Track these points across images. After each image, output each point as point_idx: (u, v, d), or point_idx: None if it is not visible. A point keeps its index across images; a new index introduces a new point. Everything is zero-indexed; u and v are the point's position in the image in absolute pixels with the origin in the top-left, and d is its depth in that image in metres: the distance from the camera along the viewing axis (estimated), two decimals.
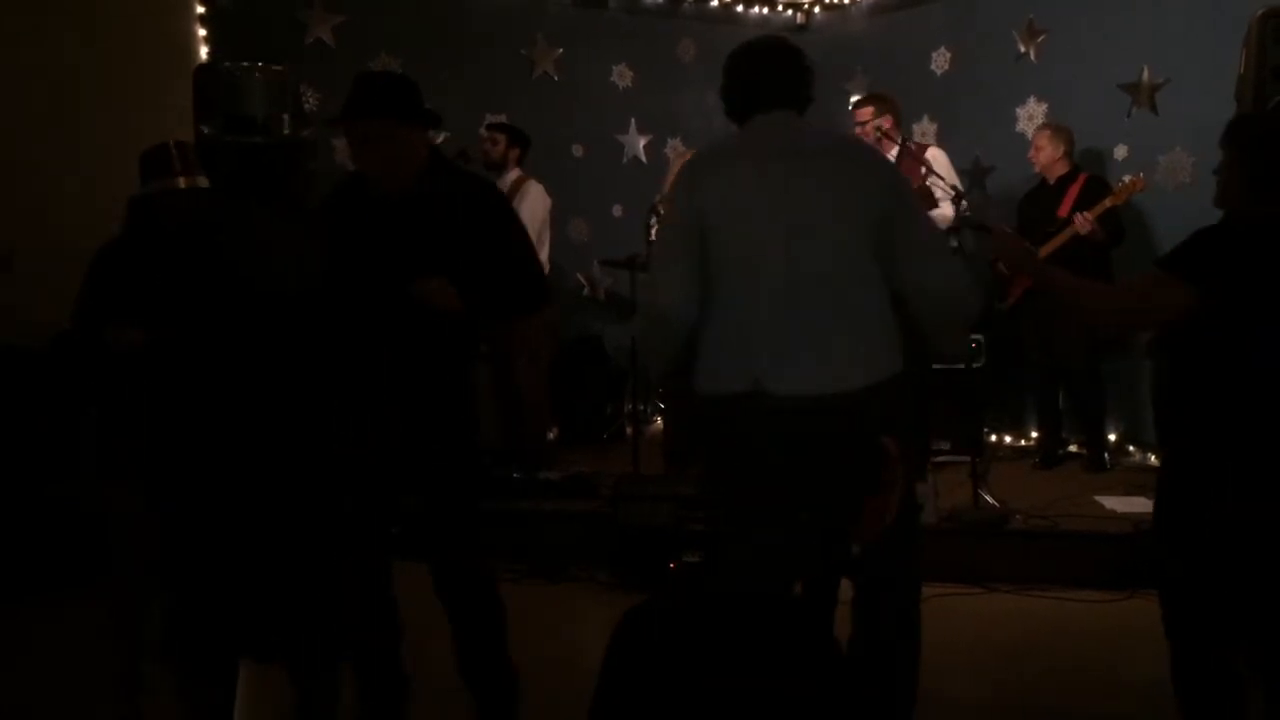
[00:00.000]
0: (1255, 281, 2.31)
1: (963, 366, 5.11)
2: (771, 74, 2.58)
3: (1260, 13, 4.12)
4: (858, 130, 5.19)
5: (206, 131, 2.72)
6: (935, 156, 5.27)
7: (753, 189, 2.46)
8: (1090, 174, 5.55)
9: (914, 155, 5.14)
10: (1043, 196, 5.56)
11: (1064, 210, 5.35)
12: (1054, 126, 5.62)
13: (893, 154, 5.03)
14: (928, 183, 5.10)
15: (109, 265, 3.35)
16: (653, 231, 5.34)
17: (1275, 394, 2.29)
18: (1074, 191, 5.43)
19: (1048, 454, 5.72)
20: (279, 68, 2.84)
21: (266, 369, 2.63)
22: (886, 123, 5.17)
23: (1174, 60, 5.57)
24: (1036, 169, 5.61)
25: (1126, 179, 5.26)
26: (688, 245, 2.49)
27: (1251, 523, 2.28)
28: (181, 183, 3.36)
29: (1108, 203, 5.18)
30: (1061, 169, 5.52)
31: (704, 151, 2.79)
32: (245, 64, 2.81)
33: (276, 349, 2.64)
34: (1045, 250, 5.14)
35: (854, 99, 5.58)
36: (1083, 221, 5.15)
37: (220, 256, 2.64)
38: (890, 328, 2.46)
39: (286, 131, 2.69)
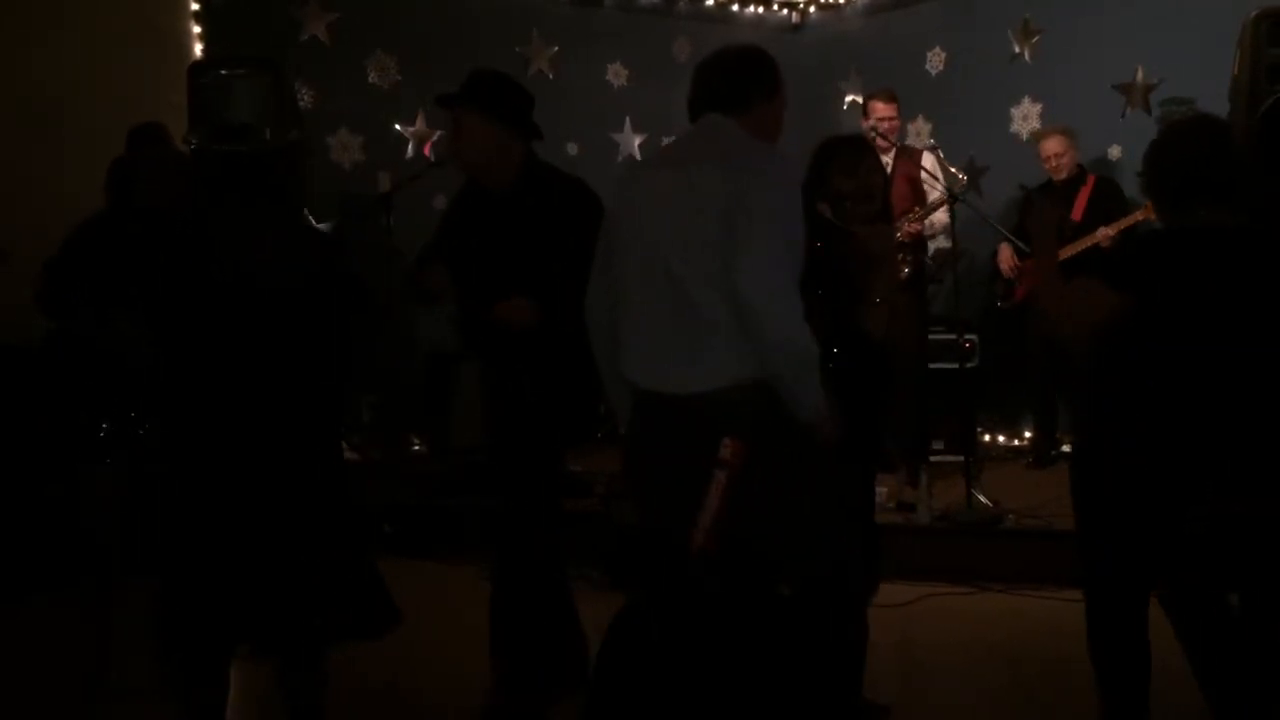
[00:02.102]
0: (1161, 289, 2.45)
1: (956, 366, 5.11)
2: (709, 78, 2.60)
3: (1253, 14, 4.13)
4: (872, 124, 5.13)
5: (194, 142, 2.78)
6: (926, 160, 5.26)
7: (640, 194, 2.53)
8: (1099, 176, 5.49)
9: (912, 159, 5.14)
10: (1050, 198, 5.36)
11: (1077, 214, 5.30)
12: (1063, 129, 5.52)
13: (889, 156, 5.02)
14: (924, 186, 5.11)
15: (86, 237, 3.38)
16: None
17: (1170, 386, 2.45)
18: (1085, 194, 5.36)
19: (1041, 454, 5.73)
20: (265, 72, 2.85)
21: (252, 367, 2.67)
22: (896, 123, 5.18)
23: (1168, 61, 5.59)
24: (1059, 177, 5.46)
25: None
26: (600, 250, 2.63)
27: (1158, 480, 2.47)
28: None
29: (1139, 216, 5.07)
30: (1071, 170, 5.47)
31: (625, 157, 2.91)
32: (230, 70, 2.83)
33: (262, 348, 2.67)
34: (1068, 253, 5.11)
35: (866, 93, 5.45)
36: (1104, 237, 5.11)
37: (206, 255, 2.67)
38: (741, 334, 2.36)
39: (270, 136, 2.72)
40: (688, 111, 2.65)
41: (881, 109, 5.17)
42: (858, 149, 3.20)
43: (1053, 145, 5.49)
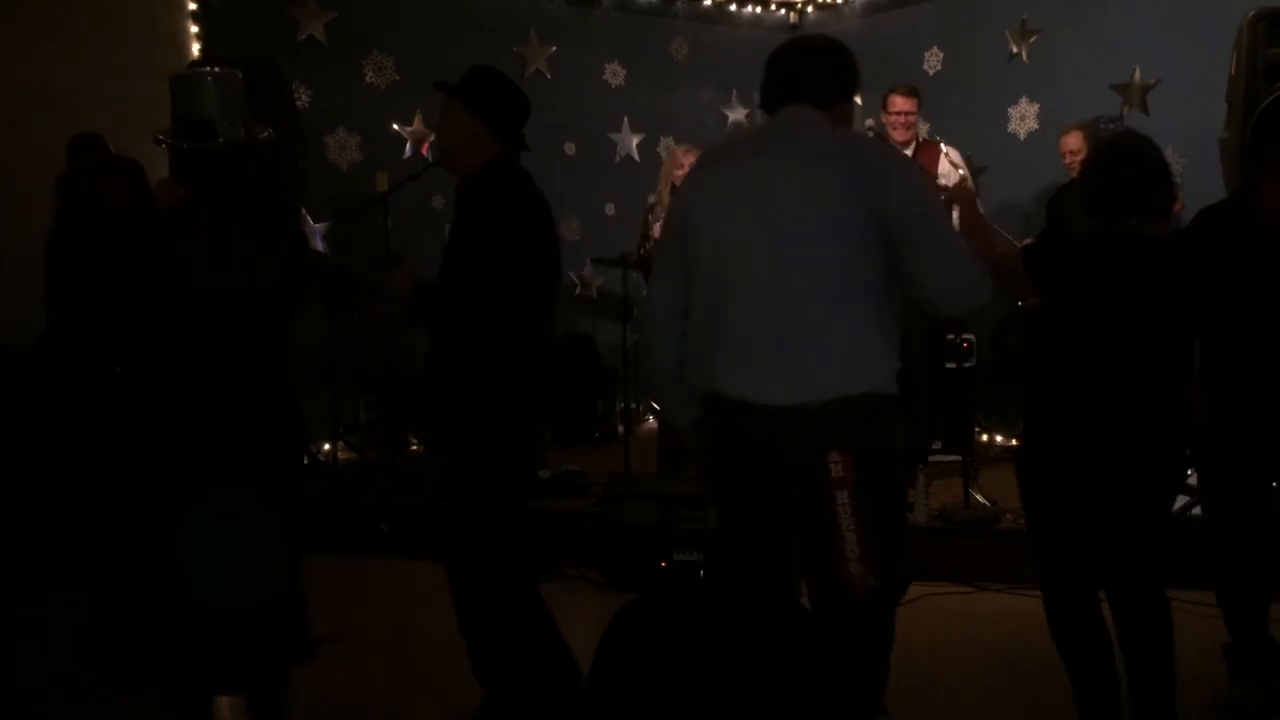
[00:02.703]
0: (1076, 288, 2.69)
1: (954, 366, 5.10)
2: (794, 68, 2.48)
3: (1250, 14, 4.14)
4: (892, 119, 5.12)
5: (164, 140, 2.75)
6: (953, 155, 5.24)
7: (731, 188, 2.39)
8: None
9: (931, 153, 5.13)
10: (1068, 197, 5.32)
11: None
12: (1080, 125, 5.43)
13: (909, 150, 5.03)
14: (942, 180, 5.11)
15: (54, 248, 3.42)
16: (654, 228, 5.34)
17: (1080, 382, 2.70)
18: None
19: None
20: (233, 71, 2.83)
21: (219, 368, 2.65)
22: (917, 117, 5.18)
23: (1165, 61, 5.59)
24: (1075, 175, 5.36)
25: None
26: (671, 250, 2.49)
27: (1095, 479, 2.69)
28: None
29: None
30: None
31: (706, 149, 2.72)
32: (201, 68, 2.81)
33: (230, 348, 2.66)
34: None
35: (887, 87, 5.44)
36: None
37: (164, 254, 2.65)
38: (865, 342, 2.28)
39: (241, 134, 2.69)
40: (763, 100, 2.52)
41: (900, 103, 5.18)
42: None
43: (1071, 142, 5.41)
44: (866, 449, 2.24)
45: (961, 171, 4.88)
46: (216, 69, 2.86)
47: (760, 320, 2.28)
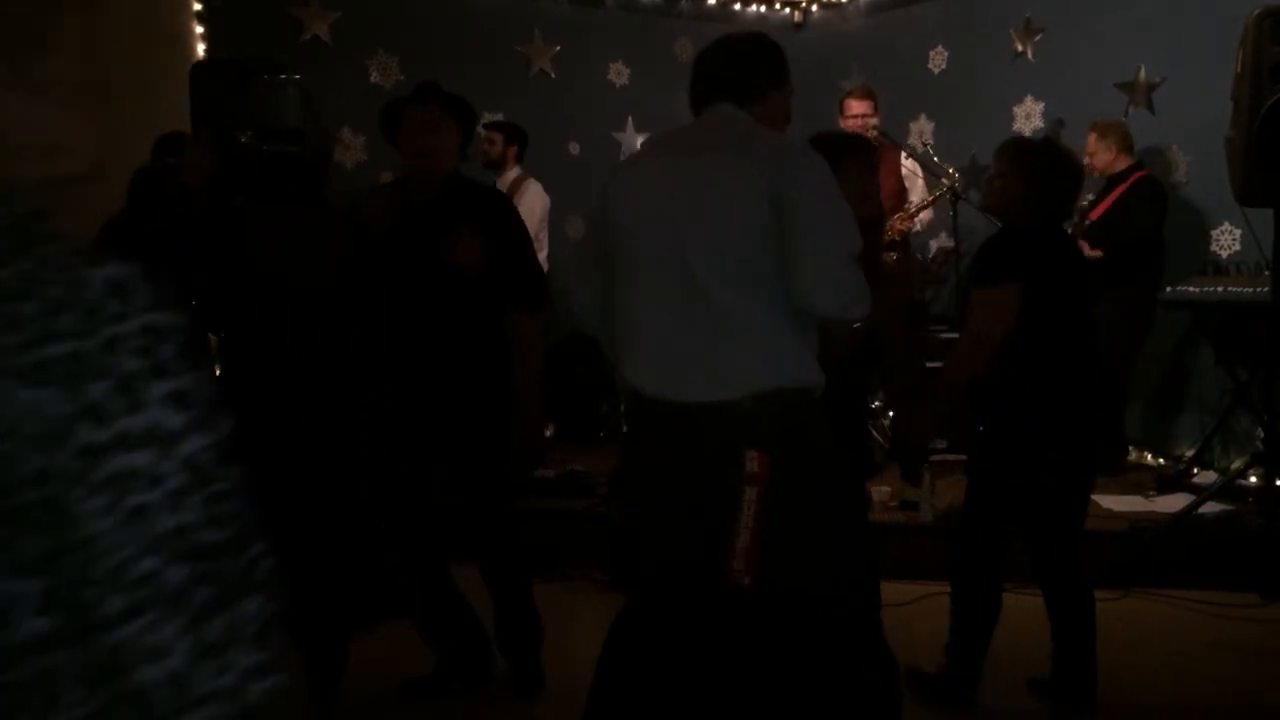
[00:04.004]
0: (1047, 273, 3.03)
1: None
2: (715, 67, 2.48)
3: (1256, 12, 4.12)
4: (849, 122, 5.13)
5: (244, 140, 2.83)
6: (904, 160, 5.28)
7: (642, 186, 2.41)
8: (1145, 175, 5.30)
9: (893, 154, 5.16)
10: (1098, 197, 5.36)
11: (1094, 214, 5.25)
12: (1101, 125, 5.40)
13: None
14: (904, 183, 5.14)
15: (113, 238, 3.46)
16: None
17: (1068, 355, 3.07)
18: (1117, 193, 5.26)
19: None
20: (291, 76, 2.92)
21: (291, 364, 2.77)
22: (875, 120, 5.18)
23: (1170, 59, 5.58)
24: (1097, 174, 5.36)
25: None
26: (591, 248, 2.54)
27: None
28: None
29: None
30: (1120, 165, 5.31)
31: (628, 155, 2.78)
32: (281, 76, 2.89)
33: (301, 344, 2.78)
34: None
35: (847, 87, 5.52)
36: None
37: (244, 253, 2.79)
38: (778, 336, 2.27)
39: (314, 143, 2.83)
40: (691, 102, 2.52)
41: (856, 106, 5.19)
42: (859, 149, 3.21)
43: (1087, 144, 5.39)
44: (786, 446, 2.22)
45: (919, 177, 4.93)
46: (295, 76, 2.94)
47: (671, 317, 2.28)
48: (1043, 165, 3.13)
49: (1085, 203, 5.32)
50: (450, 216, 3.05)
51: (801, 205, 2.25)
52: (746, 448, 2.19)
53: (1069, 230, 5.10)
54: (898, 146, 5.39)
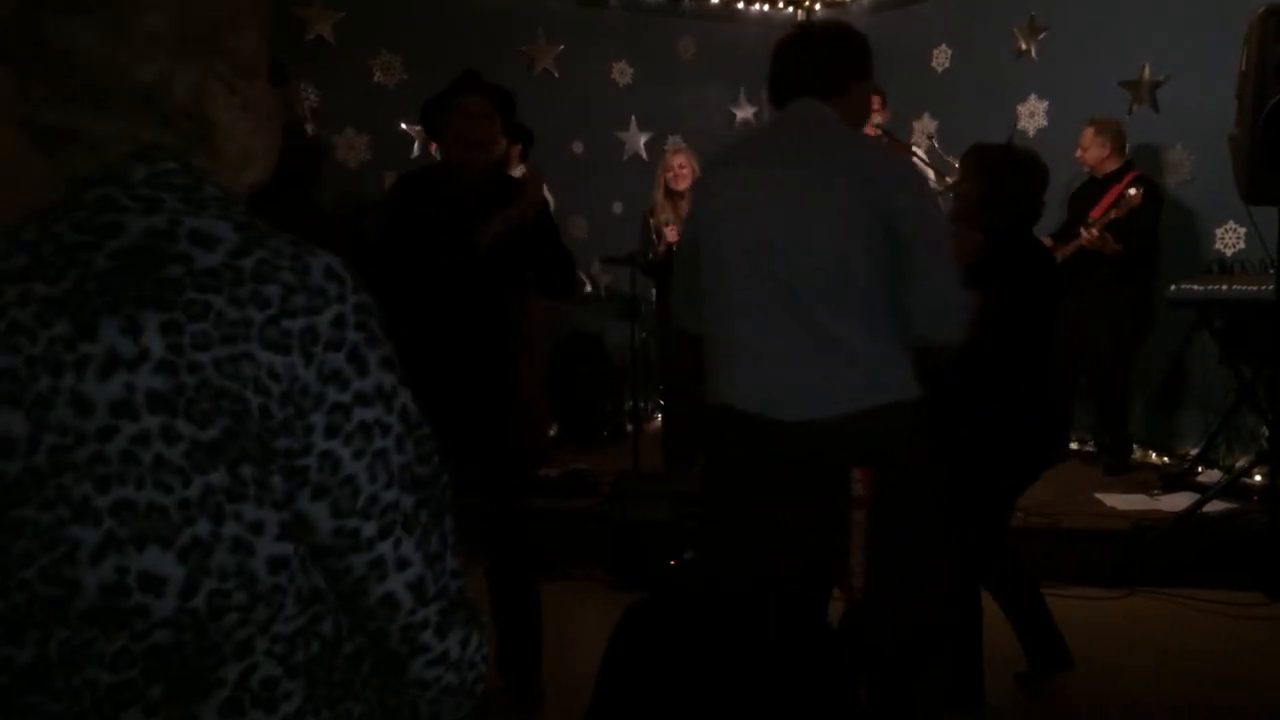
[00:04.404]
0: (1016, 278, 3.03)
1: None
2: (799, 59, 2.38)
3: (1260, 10, 4.11)
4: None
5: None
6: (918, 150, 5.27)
7: (736, 195, 2.31)
8: (1140, 173, 5.33)
9: (900, 149, 5.14)
10: (1089, 193, 5.38)
11: (1098, 211, 5.26)
12: (1099, 122, 5.42)
13: None
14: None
15: None
16: (666, 231, 5.33)
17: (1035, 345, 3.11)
18: (1115, 191, 5.26)
19: None
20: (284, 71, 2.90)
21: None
22: (886, 116, 5.17)
23: (1174, 57, 5.57)
24: (1086, 168, 5.43)
25: (1131, 192, 5.11)
26: (686, 259, 2.43)
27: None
28: None
29: (1113, 214, 5.07)
30: (1111, 165, 5.35)
31: (716, 152, 2.57)
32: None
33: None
34: (1063, 253, 5.09)
35: None
36: (1089, 237, 5.09)
37: None
38: (881, 351, 2.22)
39: (311, 133, 2.79)
40: (771, 96, 2.43)
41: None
42: None
43: (1082, 137, 5.42)
44: (889, 464, 2.18)
45: (930, 173, 4.91)
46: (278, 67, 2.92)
47: (771, 333, 2.21)
48: (1003, 169, 3.13)
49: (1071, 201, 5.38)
50: (499, 206, 2.98)
51: (913, 226, 2.20)
52: (851, 468, 2.14)
53: (1081, 232, 5.13)
54: (903, 145, 5.39)
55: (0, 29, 0.96)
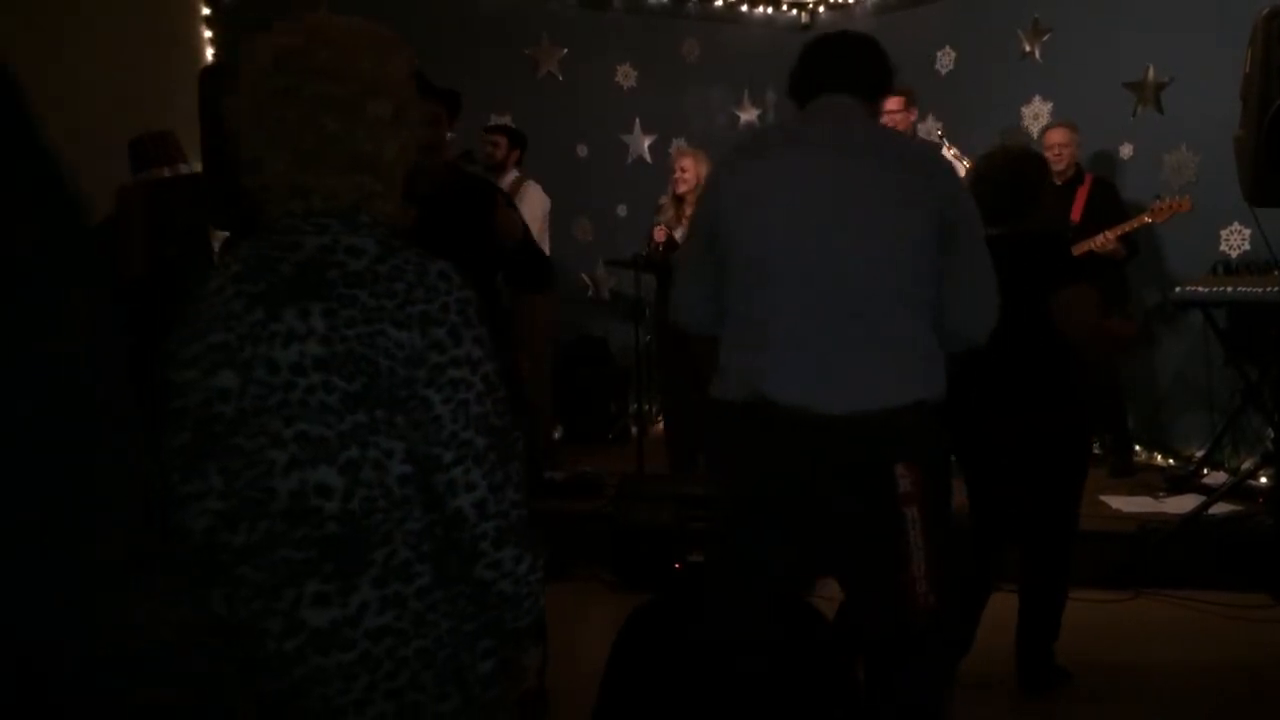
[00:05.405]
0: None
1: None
2: (832, 56, 2.37)
3: (1265, 12, 4.10)
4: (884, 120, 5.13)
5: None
6: (947, 153, 5.24)
7: (778, 183, 2.24)
8: (1096, 175, 5.45)
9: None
10: (1058, 197, 5.31)
11: (1076, 214, 5.26)
12: (1068, 122, 5.49)
13: None
14: None
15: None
16: (656, 231, 5.34)
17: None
18: (1082, 195, 5.31)
19: None
20: None
21: None
22: (912, 115, 5.16)
23: (1179, 59, 5.56)
24: (1058, 168, 5.31)
25: (1168, 199, 5.07)
26: (700, 254, 2.37)
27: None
28: (165, 172, 3.53)
29: (1146, 219, 5.04)
30: (1070, 167, 5.42)
31: (735, 145, 2.49)
32: None
33: None
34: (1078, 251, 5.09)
35: None
36: (1104, 241, 5.08)
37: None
38: (926, 348, 2.21)
39: None
40: (796, 90, 2.39)
41: (890, 103, 5.15)
42: None
43: (1057, 135, 5.46)
44: (927, 460, 2.16)
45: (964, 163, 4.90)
46: None
47: (816, 322, 2.16)
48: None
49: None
50: (455, 208, 2.97)
51: (963, 226, 2.20)
52: (895, 462, 2.11)
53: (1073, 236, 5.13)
54: (931, 144, 5.38)
55: (280, 122, 1.38)
